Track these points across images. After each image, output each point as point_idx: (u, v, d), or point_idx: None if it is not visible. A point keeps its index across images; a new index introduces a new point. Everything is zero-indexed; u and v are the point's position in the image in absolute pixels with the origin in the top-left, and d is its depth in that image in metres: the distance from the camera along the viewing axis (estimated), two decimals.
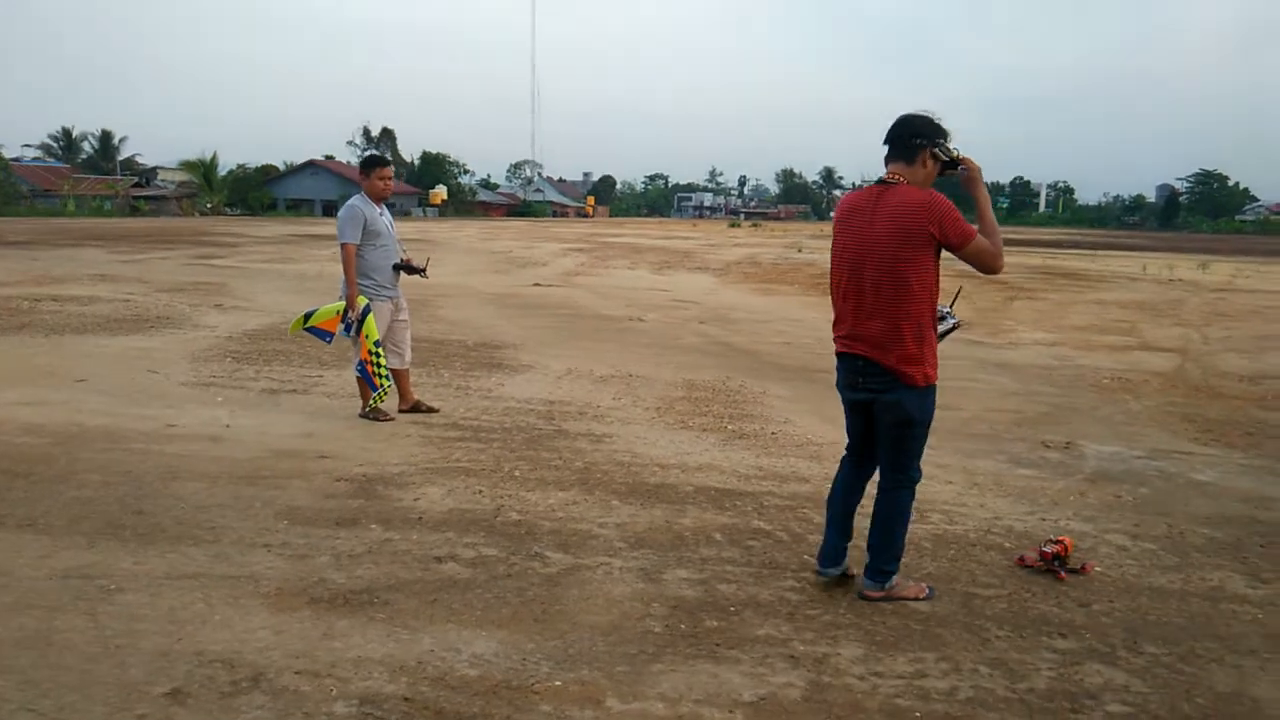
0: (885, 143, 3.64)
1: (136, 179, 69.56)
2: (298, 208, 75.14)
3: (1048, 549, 4.24)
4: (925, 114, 3.60)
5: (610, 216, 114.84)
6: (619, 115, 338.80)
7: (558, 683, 3.11)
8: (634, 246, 33.41)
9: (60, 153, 79.44)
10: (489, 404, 7.27)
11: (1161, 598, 3.99)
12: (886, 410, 3.64)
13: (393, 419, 6.53)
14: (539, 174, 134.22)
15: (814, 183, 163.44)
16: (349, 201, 6.47)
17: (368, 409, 6.53)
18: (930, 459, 6.03)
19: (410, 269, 6.64)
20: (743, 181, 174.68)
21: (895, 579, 3.82)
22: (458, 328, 11.60)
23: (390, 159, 5.80)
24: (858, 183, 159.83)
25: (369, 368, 6.34)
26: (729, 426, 6.82)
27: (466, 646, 3.32)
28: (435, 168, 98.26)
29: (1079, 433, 6.95)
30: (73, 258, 19.47)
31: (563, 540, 4.39)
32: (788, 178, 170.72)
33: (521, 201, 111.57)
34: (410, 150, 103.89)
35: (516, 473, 5.44)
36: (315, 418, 6.58)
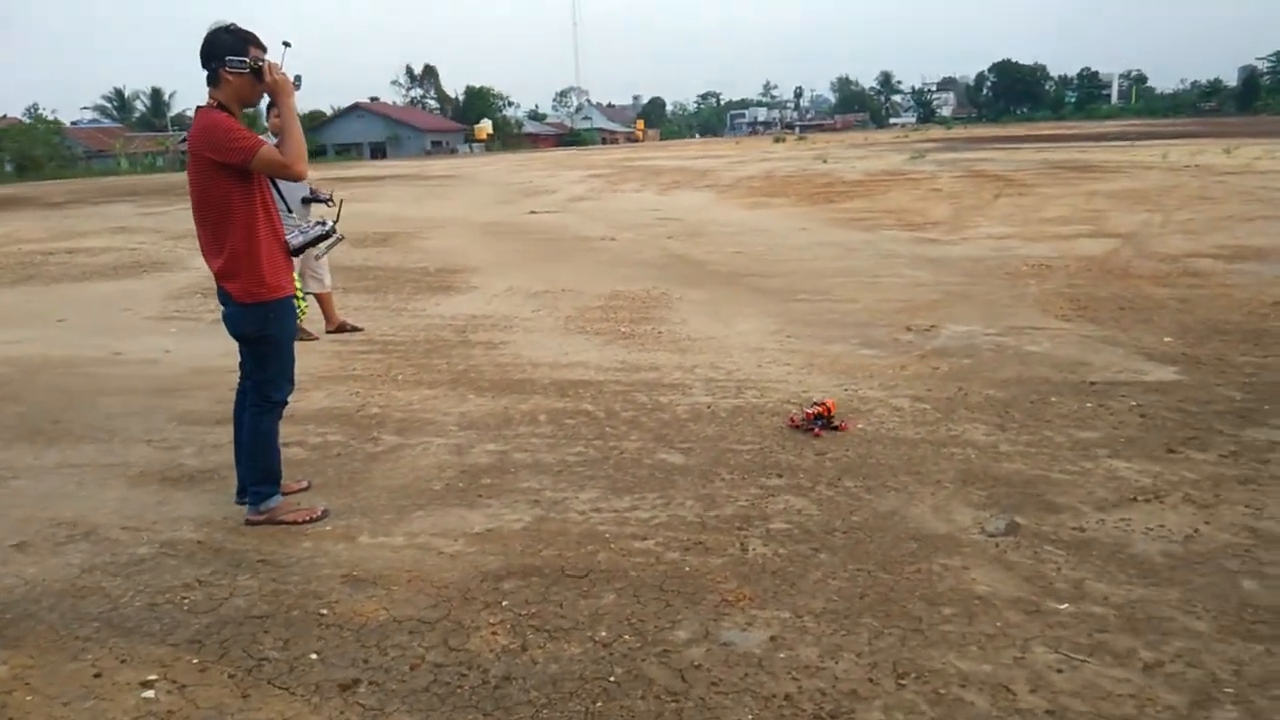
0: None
1: (186, 134, 71.34)
2: (346, 151, 76.44)
3: (810, 410, 4.83)
4: (219, 29, 3.54)
5: (661, 140, 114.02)
6: (667, 33, 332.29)
7: (328, 527, 3.86)
8: (655, 169, 33.68)
9: (115, 113, 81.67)
10: (413, 322, 8.01)
11: (895, 446, 4.56)
12: (227, 324, 3.81)
13: (316, 338, 7.30)
14: (586, 100, 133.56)
15: (871, 89, 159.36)
16: None
17: None
18: (786, 346, 6.67)
19: (317, 199, 7.33)
20: (798, 94, 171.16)
21: (277, 501, 3.91)
22: (430, 256, 12.33)
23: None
24: (916, 86, 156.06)
25: None
26: (621, 329, 7.44)
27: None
28: (480, 102, 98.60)
29: (952, 317, 7.40)
30: (102, 214, 20.71)
31: (403, 427, 5.13)
32: (844, 86, 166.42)
33: (569, 130, 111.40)
34: (454, 86, 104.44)
35: (399, 377, 6.17)
36: None
